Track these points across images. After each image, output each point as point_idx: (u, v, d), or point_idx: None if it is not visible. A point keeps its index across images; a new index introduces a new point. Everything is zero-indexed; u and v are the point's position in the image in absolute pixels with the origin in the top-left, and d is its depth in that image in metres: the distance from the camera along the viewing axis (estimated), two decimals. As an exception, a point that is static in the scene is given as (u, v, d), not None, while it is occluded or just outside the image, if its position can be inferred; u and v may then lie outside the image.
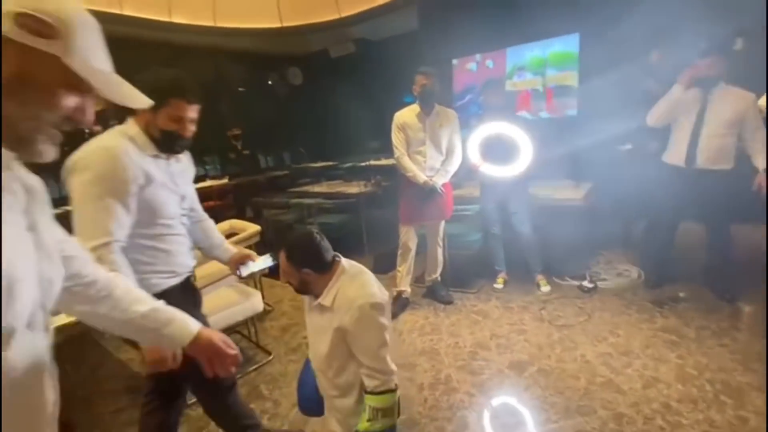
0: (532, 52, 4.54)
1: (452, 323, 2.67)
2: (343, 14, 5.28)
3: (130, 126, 1.25)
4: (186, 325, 0.85)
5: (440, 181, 2.72)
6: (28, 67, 0.48)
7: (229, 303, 2.21)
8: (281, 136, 7.29)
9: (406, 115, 2.75)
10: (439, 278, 3.03)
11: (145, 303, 0.83)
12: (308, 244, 1.12)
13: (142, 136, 1.24)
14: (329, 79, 7.13)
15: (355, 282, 1.10)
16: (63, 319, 1.52)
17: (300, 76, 7.58)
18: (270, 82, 7.21)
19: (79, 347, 2.58)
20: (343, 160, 6.22)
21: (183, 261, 1.37)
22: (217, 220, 3.44)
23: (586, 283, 2.92)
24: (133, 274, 1.17)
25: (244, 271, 1.49)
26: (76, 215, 1.14)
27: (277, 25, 5.44)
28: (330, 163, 6.40)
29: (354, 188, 4.27)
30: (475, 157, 2.85)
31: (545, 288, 2.95)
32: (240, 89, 7.01)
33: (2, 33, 0.46)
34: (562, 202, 3.10)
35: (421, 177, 2.69)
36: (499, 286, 3.07)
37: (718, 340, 2.20)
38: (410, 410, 1.89)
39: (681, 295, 2.69)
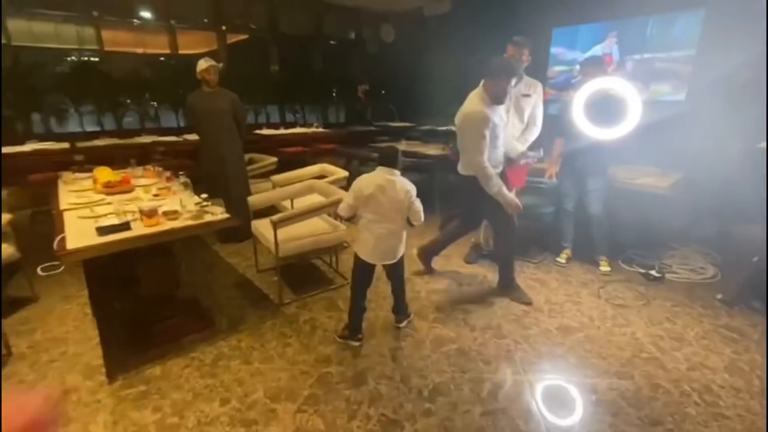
0: (642, 27, 4.21)
1: (509, 285, 2.86)
2: (446, -28, 5.22)
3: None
4: None
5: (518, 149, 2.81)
6: None
7: (320, 230, 2.63)
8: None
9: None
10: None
11: None
12: (385, 152, 2.13)
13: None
14: (419, 38, 7.15)
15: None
16: (181, 222, 1.97)
17: (392, 34, 7.65)
18: (362, 37, 7.41)
19: (194, 250, 3.20)
20: (423, 122, 6.36)
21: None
22: (309, 164, 3.85)
23: (653, 272, 2.91)
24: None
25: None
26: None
27: (378, -20, 5.55)
28: (408, 125, 6.60)
29: (431, 150, 4.46)
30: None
31: (605, 268, 3.01)
32: (331, 42, 7.31)
33: None
34: (644, 188, 3.04)
35: None
36: (561, 261, 3.16)
37: (785, 346, 2.16)
38: (461, 343, 2.19)
39: (757, 305, 2.55)
